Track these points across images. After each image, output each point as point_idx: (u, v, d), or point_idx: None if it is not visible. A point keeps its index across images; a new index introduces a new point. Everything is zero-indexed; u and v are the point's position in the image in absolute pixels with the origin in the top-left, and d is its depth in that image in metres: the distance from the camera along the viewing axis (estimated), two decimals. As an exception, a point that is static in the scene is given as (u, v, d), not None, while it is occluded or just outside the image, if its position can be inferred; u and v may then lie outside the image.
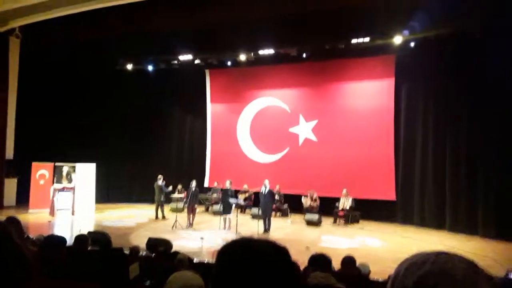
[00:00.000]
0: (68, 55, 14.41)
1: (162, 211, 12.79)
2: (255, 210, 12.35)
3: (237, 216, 10.61)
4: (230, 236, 9.97)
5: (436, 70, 12.26)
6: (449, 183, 11.86)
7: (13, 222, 4.70)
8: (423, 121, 12.69)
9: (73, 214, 12.87)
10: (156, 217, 12.76)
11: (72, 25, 12.66)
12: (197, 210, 12.07)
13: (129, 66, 15.75)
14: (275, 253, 0.91)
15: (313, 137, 14.52)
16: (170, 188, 13.10)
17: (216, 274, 0.89)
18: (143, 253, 6.52)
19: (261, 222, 10.58)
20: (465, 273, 0.77)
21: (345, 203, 12.65)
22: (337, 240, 10.20)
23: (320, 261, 3.87)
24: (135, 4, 10.87)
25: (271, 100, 15.41)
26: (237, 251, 0.91)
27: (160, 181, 12.88)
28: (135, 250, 5.73)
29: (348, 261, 5.05)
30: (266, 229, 10.57)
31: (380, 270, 6.25)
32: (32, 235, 7.04)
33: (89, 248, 5.24)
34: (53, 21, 11.97)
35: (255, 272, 0.85)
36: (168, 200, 12.88)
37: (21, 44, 14.44)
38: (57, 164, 13.43)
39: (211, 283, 0.89)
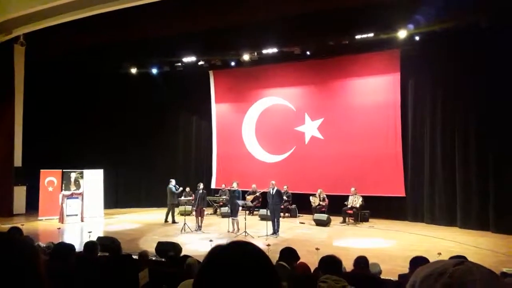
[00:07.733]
0: (73, 61, 14.47)
1: (173, 215, 12.80)
2: (263, 212, 12.30)
3: (245, 218, 10.56)
4: (239, 238, 9.94)
5: (443, 63, 12.09)
6: (459, 178, 11.69)
7: (16, 232, 4.72)
8: (430, 115, 12.52)
9: (82, 220, 12.92)
10: (166, 220, 12.77)
11: (76, 31, 12.70)
12: (206, 212, 12.05)
13: (133, 70, 15.83)
14: (248, 260, 0.91)
15: (319, 135, 14.43)
16: (180, 189, 13.09)
17: None
18: (152, 257, 6.51)
19: (269, 223, 10.52)
20: (484, 286, 0.72)
21: (354, 201, 12.55)
22: (348, 240, 10.11)
23: (330, 263, 3.82)
24: (138, 8, 10.87)
25: (276, 99, 15.35)
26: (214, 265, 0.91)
27: (171, 184, 12.95)
28: (144, 255, 5.71)
29: (360, 261, 4.99)
30: (275, 231, 10.51)
31: (391, 269, 6.19)
32: (42, 242, 7.07)
33: (98, 255, 5.24)
34: (57, 28, 12.02)
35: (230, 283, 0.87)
36: (178, 203, 12.93)
37: (26, 51, 14.50)
38: (65, 170, 13.50)
39: None
